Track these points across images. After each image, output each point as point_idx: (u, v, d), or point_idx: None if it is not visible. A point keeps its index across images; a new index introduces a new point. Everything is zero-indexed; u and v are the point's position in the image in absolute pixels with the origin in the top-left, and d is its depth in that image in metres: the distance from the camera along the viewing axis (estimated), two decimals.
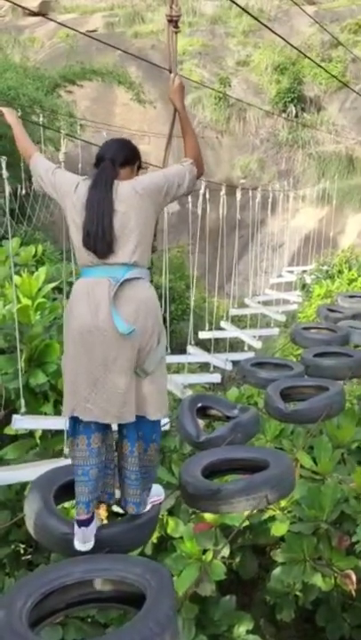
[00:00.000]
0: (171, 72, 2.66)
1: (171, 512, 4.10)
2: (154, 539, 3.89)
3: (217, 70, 22.13)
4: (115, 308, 2.27)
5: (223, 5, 24.88)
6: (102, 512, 3.18)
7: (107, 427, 2.39)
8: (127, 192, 2.36)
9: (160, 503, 2.64)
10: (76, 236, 2.38)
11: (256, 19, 5.23)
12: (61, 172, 2.56)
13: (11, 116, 2.70)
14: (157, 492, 2.60)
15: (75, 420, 2.36)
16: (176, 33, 2.68)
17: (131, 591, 1.80)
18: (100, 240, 2.32)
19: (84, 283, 2.38)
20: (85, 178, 2.47)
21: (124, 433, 2.42)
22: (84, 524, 2.29)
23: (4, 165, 3.64)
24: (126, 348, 2.29)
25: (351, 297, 7.47)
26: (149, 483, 2.50)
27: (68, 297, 5.90)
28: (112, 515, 3.36)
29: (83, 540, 2.29)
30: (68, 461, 2.93)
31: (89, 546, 2.29)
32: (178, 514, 4.11)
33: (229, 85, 20.84)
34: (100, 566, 1.92)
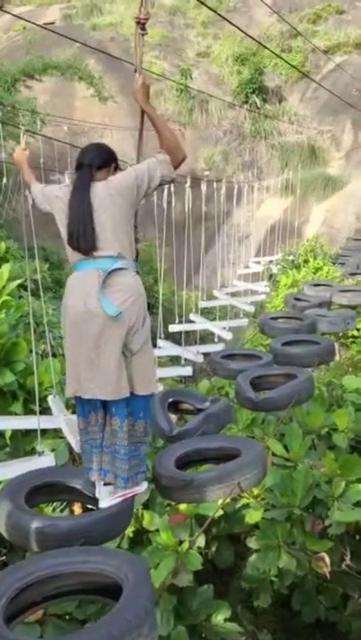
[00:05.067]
0: (136, 72, 2.79)
1: (146, 506, 4.11)
2: (130, 532, 3.90)
3: (177, 62, 22.04)
4: (104, 295, 2.52)
5: None
6: (76, 508, 3.18)
7: (105, 405, 2.63)
8: (102, 193, 2.61)
9: (133, 496, 2.66)
10: (64, 237, 2.66)
11: (214, 10, 5.22)
12: (49, 187, 2.90)
13: (23, 159, 3.07)
14: (142, 482, 2.75)
15: (81, 401, 2.64)
16: (143, 35, 2.81)
17: (108, 583, 1.81)
18: (83, 239, 2.59)
19: (75, 276, 2.65)
20: (67, 184, 2.82)
21: (112, 410, 2.62)
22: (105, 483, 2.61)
23: None
24: (115, 330, 2.53)
25: (317, 285, 7.58)
26: (138, 459, 2.70)
27: (32, 294, 5.78)
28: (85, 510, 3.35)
29: (106, 495, 2.59)
30: (39, 461, 2.94)
31: (110, 503, 2.55)
32: (153, 507, 4.12)
33: (190, 77, 20.78)
34: (76, 559, 1.92)
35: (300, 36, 20.87)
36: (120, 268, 2.58)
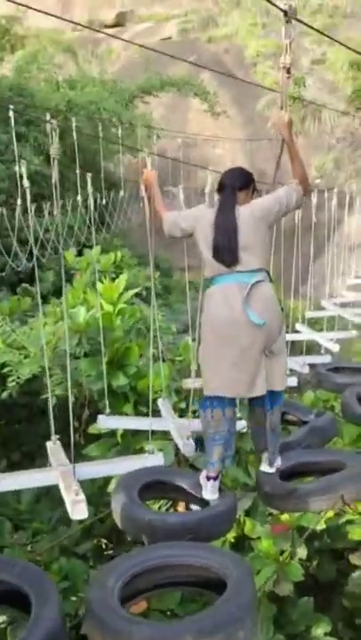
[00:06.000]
0: (282, 109, 3.15)
1: (248, 513, 4.18)
2: (231, 538, 4.00)
3: (292, 70, 21.86)
4: (248, 305, 2.81)
5: (298, 4, 24.57)
6: (180, 507, 3.32)
7: (234, 402, 3.03)
8: (247, 215, 2.92)
9: (236, 501, 2.80)
10: (206, 252, 2.97)
11: (321, 32, 5.18)
12: (187, 211, 3.22)
13: (152, 181, 3.29)
14: (278, 460, 3.17)
15: (211, 399, 2.96)
16: (288, 78, 3.16)
17: (213, 578, 1.92)
18: (228, 252, 2.89)
19: (217, 288, 2.95)
20: (208, 205, 3.14)
21: (262, 404, 3.05)
22: (214, 479, 2.90)
23: (89, 181, 3.92)
24: (259, 336, 2.85)
25: None
26: (278, 441, 3.15)
27: (143, 300, 6.06)
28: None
29: (211, 492, 2.88)
30: (149, 460, 3.14)
31: (215, 496, 2.87)
32: (255, 515, 4.19)
33: (304, 85, 20.54)
34: (185, 552, 2.05)
35: None
36: (259, 281, 2.87)
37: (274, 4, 3.29)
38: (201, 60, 18.35)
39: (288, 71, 3.13)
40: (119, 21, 29.95)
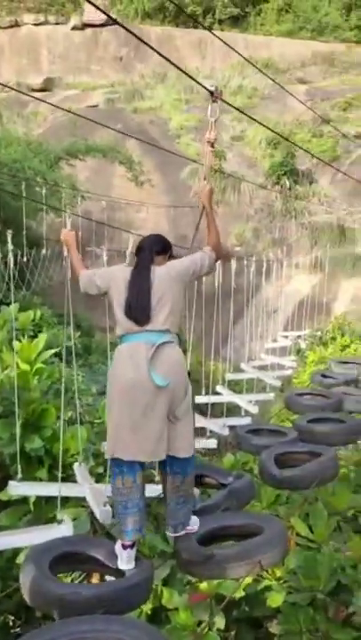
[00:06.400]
0: (205, 179, 3.38)
1: (165, 582, 4.04)
2: (148, 610, 3.82)
3: (215, 145, 23.06)
4: (153, 366, 2.79)
5: (220, 84, 26.24)
6: (94, 579, 3.17)
7: (143, 466, 2.90)
8: (162, 275, 2.98)
9: (153, 570, 2.68)
10: (119, 310, 2.96)
11: (243, 112, 5.57)
12: (104, 269, 3.25)
13: (71, 241, 3.32)
14: (194, 522, 3.06)
15: (120, 463, 2.85)
16: (212, 152, 3.40)
17: None
18: (140, 311, 2.90)
19: (126, 347, 2.92)
20: (126, 265, 3.20)
21: (166, 470, 2.95)
22: (130, 547, 2.79)
23: (9, 239, 3.87)
24: (162, 398, 2.81)
25: (344, 363, 7.59)
26: (187, 509, 3.02)
27: (65, 362, 5.93)
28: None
29: (127, 561, 2.77)
30: (59, 530, 3.01)
31: (131, 565, 2.77)
32: (173, 584, 4.05)
33: (225, 159, 21.70)
34: (97, 627, 1.93)
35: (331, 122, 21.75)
36: (166, 342, 2.87)
37: (202, 85, 3.59)
38: (127, 128, 19.02)
39: (212, 145, 3.34)
40: (46, 86, 30.73)
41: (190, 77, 4.06)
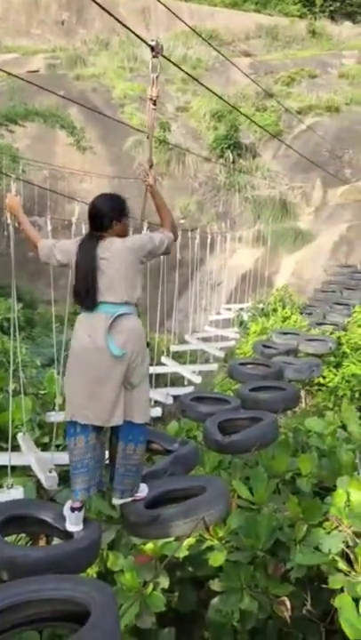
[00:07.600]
0: (148, 138, 3.53)
1: (111, 547, 4.11)
2: (93, 573, 3.90)
3: (157, 115, 22.80)
4: (110, 336, 2.87)
5: (165, 53, 25.81)
6: (41, 542, 3.21)
7: (100, 428, 2.97)
8: (118, 247, 2.99)
9: (101, 532, 2.74)
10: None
11: (188, 74, 5.57)
12: (63, 242, 3.20)
13: (16, 206, 3.25)
14: (142, 489, 3.15)
15: (74, 424, 2.93)
16: (154, 110, 3.41)
17: (77, 610, 1.87)
18: (85, 297, 2.95)
19: (85, 317, 2.99)
20: (79, 239, 3.10)
21: (118, 435, 3.02)
22: (78, 509, 2.87)
23: None
24: (118, 368, 2.89)
25: (285, 334, 7.82)
26: (136, 477, 3.10)
27: (5, 333, 5.87)
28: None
29: (75, 523, 2.84)
30: (9, 495, 3.01)
31: (79, 527, 2.84)
32: (118, 548, 4.13)
33: (169, 130, 21.48)
34: (47, 586, 1.98)
35: (275, 96, 21.86)
36: (124, 313, 2.94)
37: (142, 39, 3.57)
38: (69, 95, 18.46)
39: (154, 103, 3.35)
40: None
41: (133, 32, 4.02)
